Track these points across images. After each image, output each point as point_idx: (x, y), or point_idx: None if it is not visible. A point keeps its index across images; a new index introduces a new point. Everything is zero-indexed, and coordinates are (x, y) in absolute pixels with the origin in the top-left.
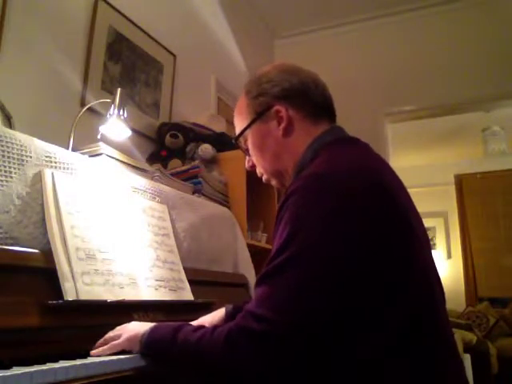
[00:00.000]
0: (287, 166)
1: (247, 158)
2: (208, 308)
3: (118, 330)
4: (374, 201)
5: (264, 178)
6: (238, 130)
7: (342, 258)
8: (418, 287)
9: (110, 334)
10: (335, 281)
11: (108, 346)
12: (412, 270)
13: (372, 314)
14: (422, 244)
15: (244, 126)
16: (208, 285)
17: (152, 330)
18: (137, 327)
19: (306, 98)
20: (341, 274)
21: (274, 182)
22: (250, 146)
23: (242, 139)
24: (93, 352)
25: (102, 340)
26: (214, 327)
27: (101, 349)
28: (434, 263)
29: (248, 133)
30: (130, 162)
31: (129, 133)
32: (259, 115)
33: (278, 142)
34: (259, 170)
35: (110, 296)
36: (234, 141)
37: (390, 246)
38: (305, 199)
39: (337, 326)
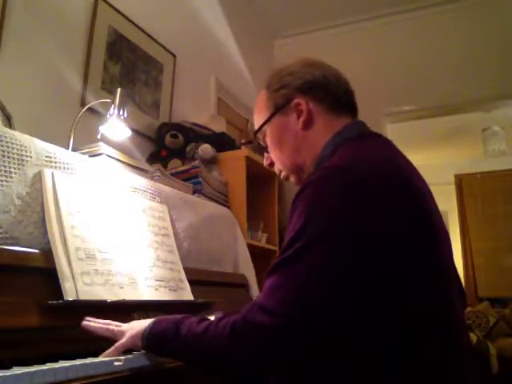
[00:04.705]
0: (306, 160)
1: (266, 155)
2: (208, 308)
3: (122, 327)
4: (390, 195)
5: (282, 174)
6: (257, 126)
7: (353, 252)
8: (431, 285)
9: (115, 329)
10: (345, 274)
11: (113, 348)
12: (425, 267)
13: (382, 310)
14: (441, 241)
15: (263, 120)
16: (208, 285)
17: (154, 324)
18: (139, 323)
19: (328, 91)
20: (351, 267)
21: (292, 179)
22: (268, 141)
23: (260, 135)
24: (102, 355)
25: (107, 331)
26: (220, 318)
27: (107, 352)
28: (453, 261)
29: (267, 127)
30: (129, 162)
31: (129, 133)
32: (279, 108)
33: (297, 136)
34: (278, 167)
35: (109, 296)
36: (253, 136)
37: (403, 242)
38: (321, 191)
39: (343, 322)
